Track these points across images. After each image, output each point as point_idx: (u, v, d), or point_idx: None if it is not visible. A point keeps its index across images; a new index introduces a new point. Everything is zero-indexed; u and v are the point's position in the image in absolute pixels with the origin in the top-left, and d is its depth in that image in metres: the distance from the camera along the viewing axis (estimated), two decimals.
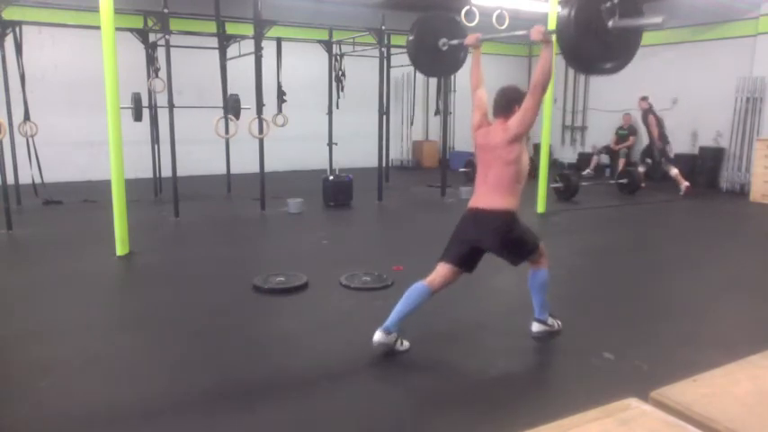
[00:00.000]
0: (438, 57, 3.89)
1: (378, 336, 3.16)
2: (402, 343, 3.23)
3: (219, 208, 7.85)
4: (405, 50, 9.67)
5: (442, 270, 3.21)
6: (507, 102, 3.14)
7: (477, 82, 3.43)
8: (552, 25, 7.04)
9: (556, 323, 3.45)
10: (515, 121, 3.04)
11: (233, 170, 8.83)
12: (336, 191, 7.68)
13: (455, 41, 3.78)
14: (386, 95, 8.59)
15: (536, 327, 3.40)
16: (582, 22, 2.77)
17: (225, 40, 8.04)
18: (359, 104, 10.00)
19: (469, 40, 3.53)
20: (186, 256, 5.45)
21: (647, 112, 9.40)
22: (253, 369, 3.09)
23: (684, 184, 9.12)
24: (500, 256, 3.21)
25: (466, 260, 3.21)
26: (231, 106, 7.98)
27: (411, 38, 3.92)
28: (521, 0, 8.95)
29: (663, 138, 9.36)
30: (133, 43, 7.44)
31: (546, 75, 2.97)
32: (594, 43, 2.83)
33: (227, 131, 7.21)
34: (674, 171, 9.28)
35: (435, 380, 3.01)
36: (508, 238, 3.13)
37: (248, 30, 7.40)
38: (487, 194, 3.15)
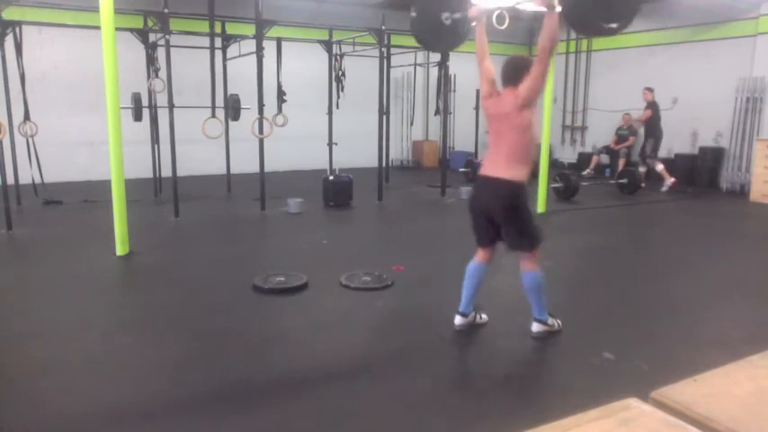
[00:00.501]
0: (442, 31, 3.83)
1: (458, 320, 3.52)
2: (480, 316, 3.59)
3: (219, 208, 7.85)
4: (405, 50, 9.75)
5: (480, 252, 3.48)
6: (515, 70, 3.21)
7: (483, 54, 3.47)
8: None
9: (556, 323, 3.47)
10: (525, 86, 3.11)
11: (233, 170, 8.83)
12: (336, 191, 7.69)
13: (458, 15, 3.73)
14: (386, 95, 8.58)
15: (536, 327, 3.43)
16: None
17: (225, 40, 8.05)
18: (359, 104, 10.00)
19: (473, 12, 3.53)
20: (186, 256, 5.45)
21: (650, 104, 9.41)
22: (253, 369, 3.09)
23: (670, 180, 9.18)
24: (503, 230, 3.28)
25: (491, 235, 3.38)
26: (231, 106, 7.98)
27: (413, 14, 3.90)
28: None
29: (658, 131, 9.35)
30: (133, 43, 7.44)
31: (552, 41, 3.02)
32: (597, 3, 2.83)
33: (226, 130, 7.21)
34: (660, 166, 9.33)
35: (435, 380, 3.01)
36: (513, 210, 3.21)
37: (248, 30, 7.39)
38: (499, 163, 3.23)
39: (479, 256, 3.49)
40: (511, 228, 3.27)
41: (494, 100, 3.31)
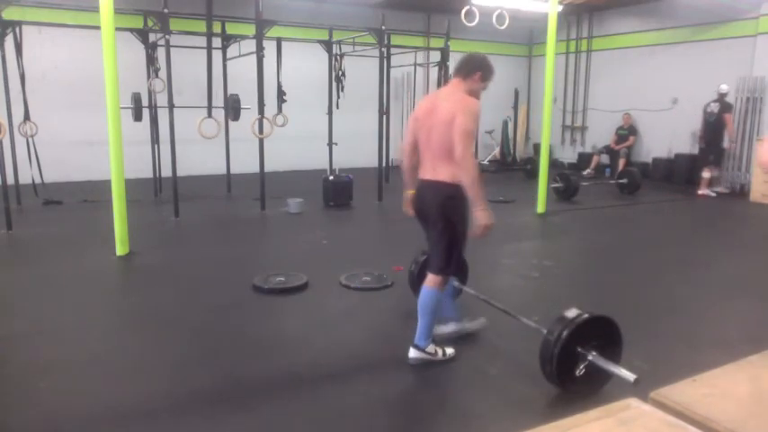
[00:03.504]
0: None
1: (449, 327, 3.39)
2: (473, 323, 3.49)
3: (219, 208, 7.85)
4: (405, 50, 9.72)
5: None
6: (471, 67, 3.05)
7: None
8: (552, 29, 7.04)
9: (440, 351, 3.15)
10: (458, 128, 2.87)
11: (233, 170, 8.83)
12: (336, 191, 7.68)
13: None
14: (386, 95, 8.58)
15: (413, 353, 3.11)
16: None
17: (225, 40, 8.05)
18: (359, 104, 9.99)
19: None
20: (186, 256, 5.45)
21: (726, 107, 9.00)
22: (253, 369, 3.09)
23: (705, 191, 9.06)
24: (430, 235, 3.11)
25: None
26: (231, 106, 7.98)
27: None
28: (521, 0, 8.94)
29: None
30: (133, 43, 7.43)
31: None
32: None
33: (226, 130, 7.20)
34: (707, 173, 9.13)
35: (435, 380, 3.01)
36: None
37: (248, 30, 7.39)
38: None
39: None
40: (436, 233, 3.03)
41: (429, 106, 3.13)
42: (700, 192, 9.10)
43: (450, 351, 3.19)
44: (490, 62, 3.13)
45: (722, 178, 9.34)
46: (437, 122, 2.95)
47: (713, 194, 9.03)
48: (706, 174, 9.06)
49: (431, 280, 3.09)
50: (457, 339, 3.50)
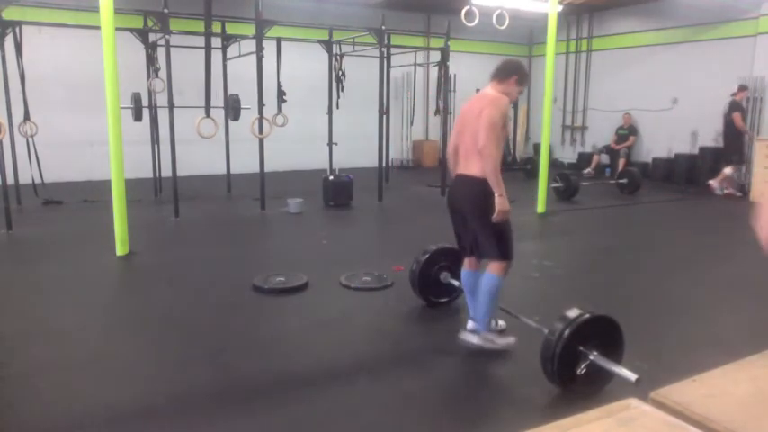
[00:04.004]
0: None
1: (470, 324, 3.40)
2: (497, 323, 3.49)
3: (219, 208, 7.85)
4: (405, 50, 9.71)
5: (465, 259, 3.45)
6: (507, 71, 3.21)
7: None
8: (552, 29, 7.04)
9: (500, 341, 3.23)
10: (483, 123, 3.04)
11: (233, 170, 8.83)
12: (336, 191, 7.69)
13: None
14: (386, 95, 8.58)
15: (473, 338, 3.26)
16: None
17: (225, 40, 8.05)
18: (359, 104, 9.99)
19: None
20: (186, 256, 5.45)
21: (734, 106, 8.86)
22: (253, 369, 3.09)
23: (718, 186, 9.00)
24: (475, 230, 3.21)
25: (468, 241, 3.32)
26: (231, 106, 7.98)
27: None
28: (521, 0, 8.94)
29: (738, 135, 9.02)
30: (133, 43, 7.43)
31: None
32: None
33: (226, 130, 7.19)
34: (728, 170, 9.06)
35: (435, 380, 3.01)
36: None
37: (248, 30, 7.39)
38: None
39: (465, 263, 3.44)
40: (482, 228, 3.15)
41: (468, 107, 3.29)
42: (711, 181, 9.08)
43: (509, 339, 3.27)
44: (525, 67, 3.30)
45: (733, 181, 9.31)
46: (471, 119, 3.13)
47: (719, 192, 9.02)
48: (728, 170, 9.01)
49: (494, 267, 3.19)
50: (457, 341, 3.50)
